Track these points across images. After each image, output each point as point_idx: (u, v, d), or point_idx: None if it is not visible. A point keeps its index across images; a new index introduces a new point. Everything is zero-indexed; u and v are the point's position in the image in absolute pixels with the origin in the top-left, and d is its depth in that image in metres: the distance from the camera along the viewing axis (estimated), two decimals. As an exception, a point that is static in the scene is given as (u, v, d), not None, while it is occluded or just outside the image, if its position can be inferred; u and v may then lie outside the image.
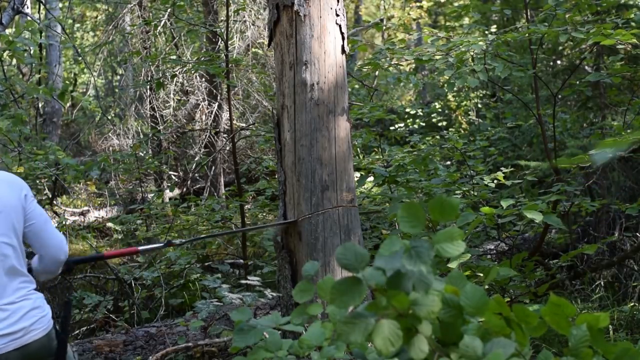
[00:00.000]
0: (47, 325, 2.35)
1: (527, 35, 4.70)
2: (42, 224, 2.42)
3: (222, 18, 8.13)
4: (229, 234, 6.63)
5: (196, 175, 9.65)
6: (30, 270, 2.50)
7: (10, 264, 2.28)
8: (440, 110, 12.00)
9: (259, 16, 8.30)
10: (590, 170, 4.78)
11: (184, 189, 9.44)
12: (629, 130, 4.79)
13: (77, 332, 4.85)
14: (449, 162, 6.98)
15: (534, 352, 3.10)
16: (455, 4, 12.98)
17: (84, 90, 14.88)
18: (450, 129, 10.00)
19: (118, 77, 15.19)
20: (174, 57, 8.01)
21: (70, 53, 13.91)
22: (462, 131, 10.36)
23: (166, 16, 8.06)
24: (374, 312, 1.20)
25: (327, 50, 3.37)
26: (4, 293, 2.26)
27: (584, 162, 4.28)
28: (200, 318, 3.81)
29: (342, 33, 3.43)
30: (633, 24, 4.68)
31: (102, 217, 8.84)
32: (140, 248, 3.12)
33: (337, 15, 3.41)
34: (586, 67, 7.98)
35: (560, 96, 7.35)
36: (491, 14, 10.03)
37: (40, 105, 9.75)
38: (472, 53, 4.57)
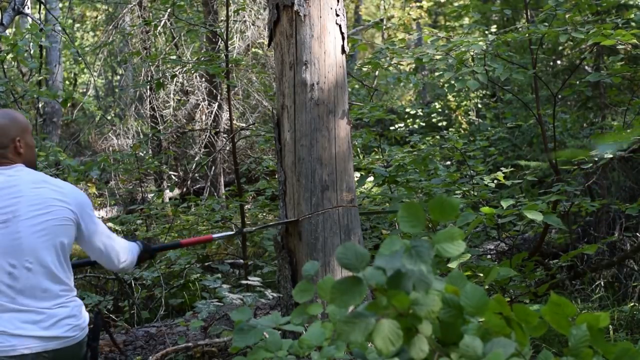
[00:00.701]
0: (81, 334, 2.34)
1: (527, 35, 4.71)
2: (91, 235, 2.45)
3: (222, 18, 8.13)
4: (233, 235, 6.62)
5: (196, 175, 9.65)
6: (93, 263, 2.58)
7: (50, 270, 2.27)
8: (440, 110, 12.00)
9: (259, 16, 8.30)
10: (590, 170, 4.78)
11: (184, 189, 9.44)
12: (629, 130, 4.79)
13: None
14: (449, 162, 6.98)
15: (534, 352, 3.10)
16: (455, 4, 12.97)
17: (84, 90, 14.89)
18: (450, 129, 10.00)
19: (118, 77, 15.19)
20: (174, 57, 8.01)
21: (71, 53, 13.91)
22: (462, 131, 10.37)
23: (166, 16, 8.06)
24: (374, 311, 1.20)
25: (327, 50, 3.37)
26: (42, 297, 2.25)
27: (585, 160, 4.28)
28: (200, 318, 3.81)
29: (342, 33, 3.43)
30: (633, 24, 4.68)
31: (102, 217, 8.84)
32: (214, 235, 3.26)
33: (337, 15, 3.42)
34: (586, 67, 7.99)
35: (560, 96, 7.35)
36: (491, 14, 10.04)
37: (40, 106, 9.75)
38: (472, 53, 4.58)
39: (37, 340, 2.21)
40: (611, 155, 4.14)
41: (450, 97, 11.49)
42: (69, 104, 12.44)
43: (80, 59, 11.39)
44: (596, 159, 4.48)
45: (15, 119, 2.39)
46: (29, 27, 5.40)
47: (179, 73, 8.05)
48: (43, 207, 2.27)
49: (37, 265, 2.25)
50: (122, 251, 2.54)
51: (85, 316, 2.40)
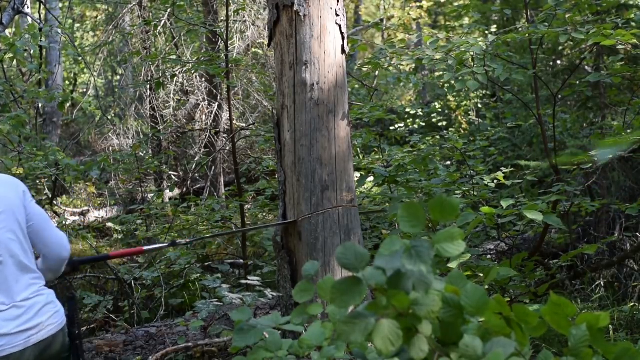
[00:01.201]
0: (62, 320, 2.38)
1: (527, 35, 4.71)
2: (42, 223, 2.45)
3: (222, 18, 8.13)
4: (230, 234, 6.64)
5: (196, 175, 9.65)
6: None
7: (19, 260, 2.31)
8: (440, 110, 12.00)
9: (259, 16, 8.30)
10: (590, 170, 4.78)
11: (184, 189, 9.44)
12: (629, 131, 4.79)
13: (76, 332, 4.84)
14: (449, 162, 6.98)
15: (534, 352, 3.10)
16: (455, 4, 12.98)
17: (84, 90, 14.88)
18: (450, 129, 10.00)
19: (118, 77, 15.19)
20: (174, 57, 8.01)
21: (69, 53, 13.89)
22: (462, 131, 10.37)
23: (166, 16, 8.06)
24: (374, 311, 1.20)
25: (327, 50, 3.37)
26: (17, 289, 2.28)
27: (585, 161, 4.28)
28: (200, 318, 3.81)
29: (342, 33, 3.43)
30: (633, 24, 4.68)
31: (102, 217, 8.84)
32: (145, 248, 3.15)
33: (337, 15, 3.42)
34: (586, 67, 7.99)
35: (560, 96, 7.35)
36: (491, 14, 10.04)
37: (40, 106, 9.74)
38: (471, 54, 4.57)
39: (23, 334, 2.23)
40: (610, 156, 4.14)
41: (450, 97, 11.49)
42: (68, 104, 12.45)
43: (80, 59, 11.39)
44: (596, 158, 4.47)
45: None
46: (28, 27, 5.39)
47: (179, 73, 8.05)
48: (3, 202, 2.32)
49: (7, 258, 2.28)
50: (63, 236, 2.54)
51: (60, 303, 2.43)
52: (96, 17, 14.25)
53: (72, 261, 2.71)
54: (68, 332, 2.44)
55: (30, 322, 2.25)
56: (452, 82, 4.68)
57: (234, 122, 7.06)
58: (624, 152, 4.51)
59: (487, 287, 3.85)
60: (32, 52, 6.91)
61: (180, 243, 3.28)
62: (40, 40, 5.96)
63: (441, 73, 4.77)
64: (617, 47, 4.53)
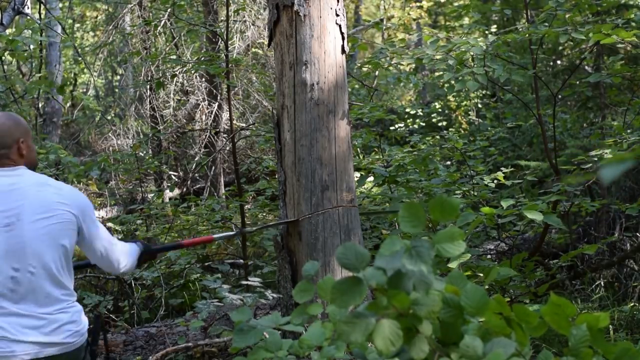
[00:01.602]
0: (80, 340, 2.34)
1: (527, 35, 4.70)
2: (103, 248, 2.48)
3: (222, 18, 8.13)
4: (231, 236, 6.62)
5: (196, 175, 9.65)
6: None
7: (51, 273, 2.26)
8: (440, 110, 12.00)
9: (259, 16, 8.30)
10: (590, 171, 4.78)
11: (184, 189, 9.44)
12: (629, 131, 4.79)
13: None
14: (449, 162, 6.98)
15: (534, 352, 3.10)
16: (455, 4, 12.98)
17: (84, 90, 14.88)
18: (450, 129, 10.00)
19: (118, 77, 15.20)
20: (174, 57, 8.01)
21: (71, 53, 13.91)
22: (462, 131, 10.36)
23: (166, 16, 8.06)
24: (374, 311, 1.20)
25: (327, 50, 3.37)
26: (43, 302, 2.24)
27: (591, 178, 4.27)
28: (200, 318, 3.81)
29: (342, 33, 3.43)
30: (633, 24, 4.68)
31: (102, 217, 8.84)
32: (215, 236, 3.26)
33: (337, 15, 3.42)
34: (586, 67, 7.99)
35: (560, 96, 7.36)
36: (491, 14, 10.04)
37: (40, 105, 9.75)
38: (471, 54, 4.58)
39: (37, 346, 2.20)
40: (611, 156, 4.14)
41: (450, 97, 11.49)
42: (68, 104, 12.45)
43: (80, 59, 11.39)
44: (596, 158, 4.48)
45: (18, 121, 2.37)
46: (26, 22, 5.39)
47: (179, 73, 8.04)
48: (46, 210, 2.26)
49: (40, 269, 2.24)
50: (123, 256, 2.54)
51: (85, 321, 2.39)
52: (96, 17, 14.25)
53: (151, 250, 2.75)
54: (88, 350, 2.42)
55: (47, 337, 2.22)
56: (452, 82, 4.68)
57: (234, 122, 7.06)
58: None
59: (487, 287, 3.85)
60: (31, 48, 6.91)
61: (248, 230, 3.50)
62: (40, 36, 5.95)
63: (441, 73, 4.76)
64: (617, 47, 4.52)
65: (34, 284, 2.23)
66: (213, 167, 8.90)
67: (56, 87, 5.54)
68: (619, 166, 0.88)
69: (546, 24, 4.71)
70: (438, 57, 4.65)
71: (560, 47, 8.69)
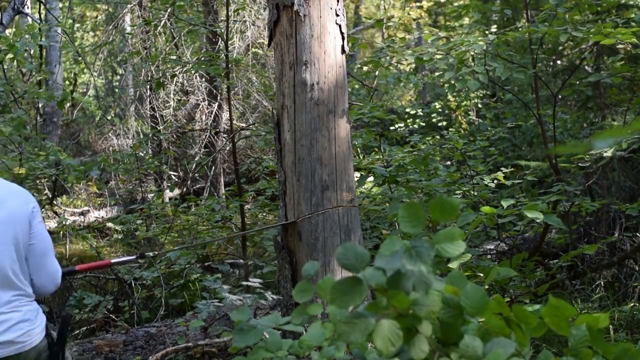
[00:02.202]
0: (36, 339, 2.30)
1: (527, 34, 4.70)
2: (44, 248, 2.40)
3: (222, 18, 8.13)
4: (231, 237, 6.64)
5: (196, 175, 9.65)
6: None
7: (5, 274, 2.25)
8: (440, 110, 12.00)
9: (259, 16, 8.30)
10: (590, 171, 4.78)
11: (184, 189, 9.44)
12: (628, 127, 4.77)
13: (77, 332, 4.85)
14: (449, 162, 6.98)
15: (534, 352, 3.10)
16: (455, 4, 12.97)
17: (84, 90, 14.88)
18: (450, 129, 9.99)
19: (118, 77, 15.19)
20: (174, 57, 8.01)
21: (71, 53, 13.90)
22: (462, 131, 10.36)
23: (166, 16, 8.06)
24: (374, 312, 1.20)
25: (327, 50, 3.37)
26: None
27: (582, 157, 4.27)
28: (201, 318, 3.81)
29: (342, 33, 3.43)
30: (633, 23, 4.68)
31: (102, 217, 8.84)
32: (113, 261, 3.10)
33: (337, 15, 3.42)
34: (586, 67, 7.99)
35: (560, 96, 7.35)
36: (491, 14, 10.03)
37: (40, 106, 9.74)
38: (472, 53, 4.57)
39: None
40: (610, 155, 4.14)
41: (450, 97, 11.49)
42: (68, 104, 12.45)
43: (80, 59, 11.39)
44: (596, 157, 4.47)
45: None
46: (27, 27, 5.39)
47: (179, 73, 8.04)
48: (5, 215, 2.27)
49: None
50: (56, 264, 2.49)
51: (42, 320, 2.36)
52: (96, 17, 14.25)
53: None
54: (50, 348, 2.37)
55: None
56: (452, 81, 4.67)
57: (234, 122, 7.06)
58: (624, 153, 4.50)
59: (487, 287, 3.85)
60: (32, 52, 6.91)
61: (148, 255, 3.25)
62: (40, 40, 5.95)
63: (442, 72, 4.76)
64: (617, 47, 4.53)
65: None
66: (213, 167, 8.90)
67: (56, 98, 5.54)
68: (611, 137, 0.88)
69: (546, 23, 4.71)
70: (438, 56, 4.65)
71: (560, 47, 8.69)
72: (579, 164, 4.51)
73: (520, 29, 5.04)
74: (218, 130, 8.35)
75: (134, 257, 3.29)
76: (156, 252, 3.34)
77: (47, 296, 2.45)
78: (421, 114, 12.06)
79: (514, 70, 4.66)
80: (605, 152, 4.11)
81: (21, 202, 2.34)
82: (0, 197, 2.31)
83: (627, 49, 5.04)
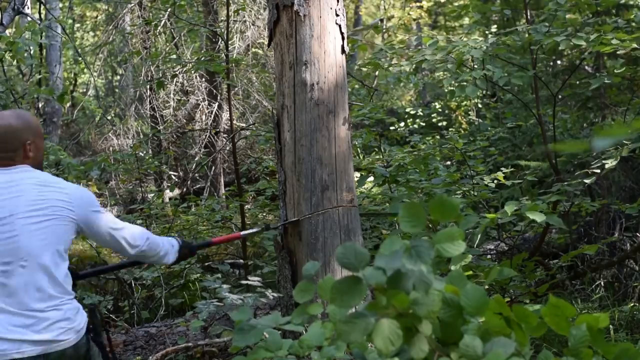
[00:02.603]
0: (76, 337, 2.30)
1: (526, 34, 4.70)
2: (110, 228, 2.47)
3: (222, 18, 8.13)
4: (231, 237, 6.63)
5: (196, 175, 9.65)
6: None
7: (45, 268, 2.23)
8: (440, 110, 12.00)
9: (259, 16, 8.30)
10: (590, 171, 4.77)
11: (184, 189, 9.44)
12: (628, 126, 4.77)
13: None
14: (449, 162, 6.98)
15: (534, 352, 3.10)
16: (455, 4, 12.98)
17: (84, 90, 14.88)
18: (450, 129, 9.99)
19: (118, 77, 15.19)
20: (174, 57, 8.01)
21: (71, 53, 13.90)
22: (462, 131, 10.36)
23: (166, 16, 8.06)
24: (374, 311, 1.20)
25: (327, 50, 3.37)
26: (34, 298, 2.20)
27: (583, 149, 4.26)
28: (201, 318, 3.81)
29: (342, 33, 3.43)
30: (633, 24, 4.68)
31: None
32: (242, 233, 3.32)
33: (337, 15, 3.42)
34: (586, 67, 7.99)
35: (560, 96, 7.35)
36: (491, 14, 10.03)
37: (40, 106, 9.74)
38: (471, 56, 4.57)
39: (29, 345, 2.17)
40: (613, 166, 4.13)
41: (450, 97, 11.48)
42: (68, 104, 12.45)
43: (80, 59, 11.39)
44: (599, 161, 4.46)
45: (28, 122, 2.34)
46: (27, 24, 5.39)
47: (179, 73, 8.05)
48: (43, 206, 2.25)
49: (33, 264, 2.21)
50: (131, 236, 2.50)
51: (82, 319, 2.36)
52: (96, 17, 14.24)
53: (190, 245, 2.77)
54: (94, 342, 2.43)
55: (38, 335, 2.18)
56: (452, 87, 4.67)
57: (234, 122, 7.06)
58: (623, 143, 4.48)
59: (487, 287, 3.85)
60: (32, 52, 6.91)
61: (273, 227, 3.49)
62: (40, 38, 5.95)
63: (442, 77, 4.76)
64: (618, 53, 4.53)
65: (25, 277, 2.20)
66: (213, 167, 8.90)
67: (55, 94, 5.54)
68: (611, 137, 0.88)
69: (546, 23, 4.71)
70: (437, 57, 4.64)
71: (560, 47, 8.68)
72: (590, 170, 4.49)
73: (520, 31, 5.03)
74: (218, 130, 8.35)
75: (260, 229, 3.53)
76: (279, 224, 3.52)
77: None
78: (421, 114, 12.06)
79: (513, 75, 4.65)
80: (607, 163, 4.09)
81: (61, 193, 2.31)
82: (42, 194, 2.28)
83: (627, 52, 5.04)
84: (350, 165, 3.43)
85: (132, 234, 2.51)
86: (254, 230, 3.68)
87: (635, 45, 4.15)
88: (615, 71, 4.63)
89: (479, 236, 4.44)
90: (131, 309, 5.07)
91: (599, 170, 4.15)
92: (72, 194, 2.34)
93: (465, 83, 4.46)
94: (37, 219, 2.24)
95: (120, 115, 11.44)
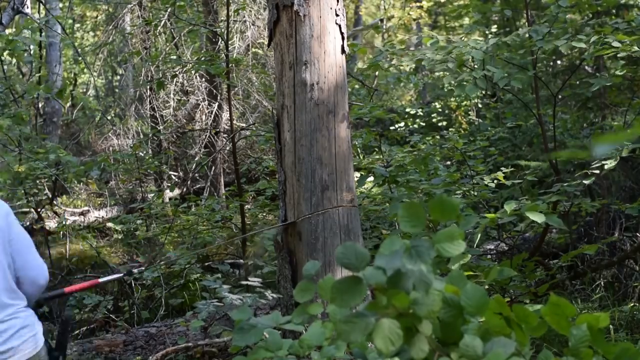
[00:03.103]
0: (37, 345, 2.30)
1: (526, 35, 4.70)
2: (26, 246, 2.39)
3: (222, 18, 8.13)
4: (230, 240, 6.64)
5: (196, 175, 9.65)
6: None
7: (5, 278, 2.24)
8: (440, 110, 11.99)
9: (259, 16, 8.30)
10: (590, 172, 4.77)
11: (184, 189, 9.43)
12: (628, 131, 4.77)
13: (77, 332, 4.85)
14: (449, 162, 6.97)
15: (534, 352, 3.10)
16: (455, 4, 12.98)
17: (84, 90, 14.87)
18: (450, 129, 9.99)
19: (118, 77, 15.19)
20: (174, 57, 8.01)
21: (70, 53, 13.89)
22: (462, 131, 10.35)
23: (166, 16, 8.06)
24: (374, 311, 1.20)
25: (327, 50, 3.37)
26: None
27: (584, 157, 4.26)
28: (201, 318, 3.81)
29: (341, 33, 3.43)
30: (633, 24, 4.68)
31: (102, 217, 8.84)
32: (101, 280, 3.06)
33: (337, 15, 3.41)
34: (586, 67, 7.99)
35: (560, 96, 7.35)
36: (491, 14, 10.03)
37: (40, 106, 9.74)
38: (470, 58, 4.57)
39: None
40: (612, 166, 4.13)
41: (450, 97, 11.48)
42: (68, 104, 12.44)
43: (80, 59, 11.39)
44: (598, 162, 4.46)
45: None
46: (25, 22, 5.39)
47: (179, 73, 8.05)
48: None
49: None
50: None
51: (39, 327, 2.35)
52: (96, 17, 14.24)
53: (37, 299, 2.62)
54: (50, 354, 2.37)
55: (2, 346, 2.19)
56: (452, 87, 4.67)
57: (234, 122, 7.06)
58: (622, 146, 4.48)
59: (487, 287, 3.85)
60: (32, 51, 6.91)
61: (134, 272, 3.25)
62: (40, 36, 5.95)
63: (442, 74, 4.76)
64: (618, 56, 4.53)
65: None
66: (213, 167, 8.89)
67: (54, 91, 5.53)
68: (611, 142, 0.88)
69: (547, 24, 4.71)
70: (437, 57, 4.64)
71: (561, 49, 8.68)
72: (590, 171, 4.48)
73: (520, 35, 5.03)
74: (218, 130, 8.34)
75: (121, 274, 3.28)
76: (142, 268, 3.34)
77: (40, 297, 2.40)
78: (421, 114, 12.06)
79: (513, 77, 4.65)
80: (607, 164, 4.10)
81: (2, 213, 2.34)
82: None
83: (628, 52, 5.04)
84: (350, 165, 3.43)
85: (43, 263, 2.47)
86: (114, 276, 3.34)
87: (635, 47, 4.14)
88: (617, 73, 4.63)
89: (479, 236, 4.43)
90: (131, 309, 5.07)
91: (598, 171, 4.15)
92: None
93: (465, 83, 4.45)
94: None
95: (120, 115, 11.44)
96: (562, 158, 4.40)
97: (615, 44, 4.18)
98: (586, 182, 4.12)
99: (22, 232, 2.41)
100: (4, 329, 2.22)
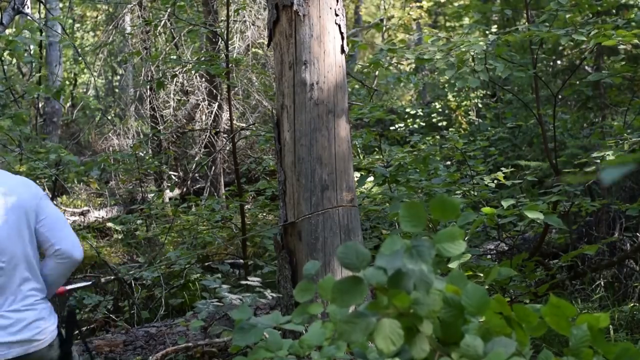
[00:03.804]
0: (50, 337, 2.31)
1: (528, 35, 4.70)
2: (61, 222, 2.38)
3: (222, 18, 8.13)
4: (230, 240, 6.64)
5: (196, 175, 9.65)
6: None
7: (22, 268, 2.24)
8: (440, 110, 11.99)
9: (259, 16, 8.30)
10: (591, 170, 4.77)
11: (184, 189, 9.43)
12: (629, 131, 4.79)
13: (77, 332, 4.85)
14: (449, 162, 6.97)
15: (534, 352, 3.10)
16: (456, 4, 12.98)
17: (84, 90, 14.88)
18: (450, 129, 9.99)
19: (118, 77, 15.20)
20: (174, 57, 8.01)
21: (71, 53, 13.90)
22: (462, 131, 10.36)
23: (166, 16, 8.06)
24: (375, 311, 1.20)
25: (327, 50, 3.37)
26: (11, 299, 2.22)
27: (592, 178, 4.26)
28: (200, 318, 3.81)
29: (341, 33, 3.43)
30: (633, 23, 4.68)
31: (102, 217, 8.84)
32: (67, 287, 2.99)
33: (337, 15, 3.41)
34: (586, 67, 7.99)
35: (560, 96, 7.35)
36: (491, 14, 10.04)
37: (40, 106, 9.74)
38: (472, 53, 4.57)
39: (4, 347, 2.19)
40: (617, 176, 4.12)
41: (450, 97, 11.48)
42: (68, 104, 12.45)
43: (80, 59, 11.39)
44: (597, 160, 4.47)
45: None
46: (26, 22, 5.39)
47: (179, 73, 8.04)
48: (13, 205, 2.27)
49: (10, 265, 2.22)
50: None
51: (54, 319, 2.36)
52: (96, 17, 14.24)
53: None
54: (61, 347, 2.38)
55: (13, 336, 2.20)
56: (453, 80, 4.67)
57: (234, 122, 7.06)
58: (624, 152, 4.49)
59: (487, 287, 3.85)
60: (32, 52, 6.91)
61: (104, 280, 3.22)
62: (40, 36, 5.95)
63: (442, 70, 4.75)
64: (618, 47, 4.53)
65: (2, 280, 2.22)
66: (213, 167, 8.89)
67: (53, 91, 5.53)
68: (619, 168, 0.88)
69: (547, 24, 4.71)
70: (438, 56, 4.64)
71: (560, 47, 8.69)
72: (581, 167, 4.49)
73: (520, 30, 5.03)
74: (218, 130, 8.34)
75: (88, 282, 3.25)
76: (110, 277, 3.30)
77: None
78: (421, 114, 12.06)
79: (515, 69, 4.65)
80: (608, 155, 4.09)
81: (30, 191, 2.35)
82: (9, 188, 2.30)
83: (628, 49, 5.04)
84: (350, 165, 3.43)
85: (77, 238, 2.48)
86: (81, 284, 3.35)
87: (636, 40, 4.13)
88: (615, 66, 4.62)
89: (475, 230, 4.42)
90: (131, 309, 5.07)
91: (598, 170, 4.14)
92: (27, 183, 2.42)
93: (467, 76, 4.44)
94: (10, 218, 2.26)
95: (120, 115, 11.44)
96: (571, 182, 4.39)
97: (616, 36, 4.17)
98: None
99: (56, 211, 2.39)
100: (19, 318, 2.23)
